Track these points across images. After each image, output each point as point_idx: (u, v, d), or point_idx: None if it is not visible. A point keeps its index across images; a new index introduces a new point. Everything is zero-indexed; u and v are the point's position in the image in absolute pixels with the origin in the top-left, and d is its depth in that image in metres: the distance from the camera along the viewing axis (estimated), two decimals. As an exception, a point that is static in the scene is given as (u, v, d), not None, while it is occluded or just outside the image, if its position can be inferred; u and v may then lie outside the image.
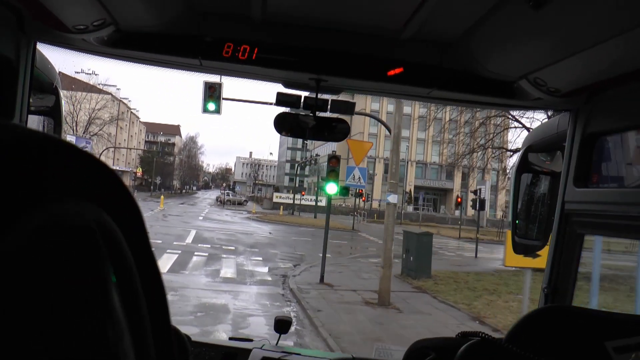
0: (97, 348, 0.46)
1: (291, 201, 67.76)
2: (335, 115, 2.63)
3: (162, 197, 57.26)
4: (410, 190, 75.48)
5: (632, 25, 1.57)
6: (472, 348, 1.56)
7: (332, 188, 15.71)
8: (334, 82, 2.44)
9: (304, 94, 2.56)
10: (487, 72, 2.28)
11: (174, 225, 32.57)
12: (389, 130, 17.19)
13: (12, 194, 0.44)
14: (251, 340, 3.22)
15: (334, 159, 15.76)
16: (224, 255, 20.88)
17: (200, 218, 42.78)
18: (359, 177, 16.64)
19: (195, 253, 20.74)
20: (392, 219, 13.88)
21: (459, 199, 41.46)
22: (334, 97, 2.60)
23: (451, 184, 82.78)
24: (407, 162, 75.82)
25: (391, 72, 2.29)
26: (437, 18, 2.05)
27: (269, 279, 16.90)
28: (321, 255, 16.57)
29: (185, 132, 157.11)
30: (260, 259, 21.03)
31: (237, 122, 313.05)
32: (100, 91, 77.81)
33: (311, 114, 2.53)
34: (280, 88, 2.54)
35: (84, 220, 0.49)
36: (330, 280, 16.44)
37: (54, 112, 2.49)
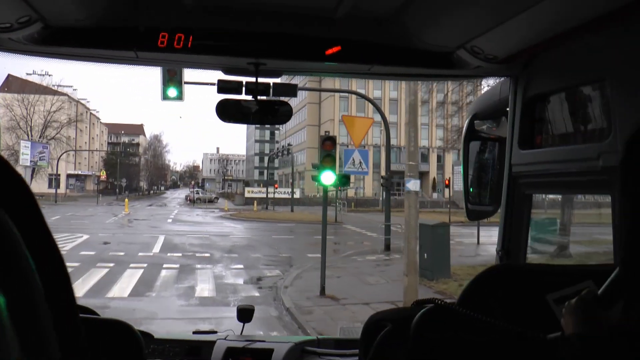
0: None
1: (264, 195, 64.57)
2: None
3: (126, 200, 53.22)
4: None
5: None
6: (426, 315, 1.49)
7: (328, 177, 12.59)
8: (273, 65, 2.40)
9: (245, 79, 2.49)
10: (425, 44, 2.29)
11: (140, 232, 29.03)
12: (374, 105, 14.18)
13: None
14: (215, 332, 3.18)
15: (328, 140, 12.65)
16: (199, 266, 17.56)
17: (169, 220, 39.11)
18: (360, 162, 13.49)
19: (164, 265, 17.39)
20: (414, 211, 10.74)
21: (447, 181, 38.90)
22: (276, 80, 2.53)
23: (427, 166, 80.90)
24: (381, 147, 73.54)
25: (329, 52, 2.27)
26: None
27: (257, 294, 13.72)
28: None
29: (149, 131, 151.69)
30: (242, 266, 17.77)
31: (202, 115, 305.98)
32: (55, 92, 73.69)
33: (253, 99, 2.48)
34: (221, 75, 2.51)
35: None
36: (331, 290, 13.31)
37: None
